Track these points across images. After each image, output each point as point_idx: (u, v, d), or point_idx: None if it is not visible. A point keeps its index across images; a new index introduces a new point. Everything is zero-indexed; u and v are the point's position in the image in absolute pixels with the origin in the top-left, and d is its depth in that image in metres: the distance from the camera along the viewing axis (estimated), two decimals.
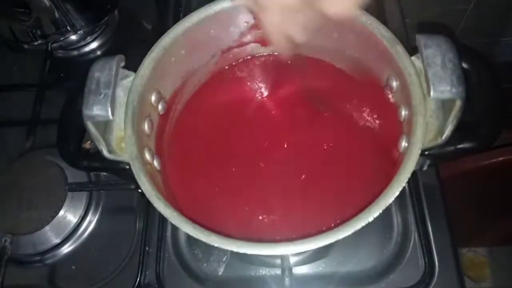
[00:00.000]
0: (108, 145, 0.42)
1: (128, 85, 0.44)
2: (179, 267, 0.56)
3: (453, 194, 0.61)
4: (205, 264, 0.56)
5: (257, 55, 0.55)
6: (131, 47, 0.74)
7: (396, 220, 0.56)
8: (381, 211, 0.37)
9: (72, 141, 0.44)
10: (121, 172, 0.44)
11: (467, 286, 0.54)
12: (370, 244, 0.55)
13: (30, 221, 0.58)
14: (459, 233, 0.56)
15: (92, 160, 0.44)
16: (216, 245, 0.37)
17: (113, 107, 0.41)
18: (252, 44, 0.53)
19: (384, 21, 0.65)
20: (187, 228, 0.38)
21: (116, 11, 0.76)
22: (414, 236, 0.55)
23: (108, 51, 0.75)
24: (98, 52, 0.75)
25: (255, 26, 0.50)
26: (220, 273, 0.55)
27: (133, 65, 0.45)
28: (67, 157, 0.44)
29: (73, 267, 0.58)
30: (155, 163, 0.46)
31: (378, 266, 0.54)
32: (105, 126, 0.43)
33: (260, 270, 0.55)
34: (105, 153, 0.42)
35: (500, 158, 0.75)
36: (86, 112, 0.40)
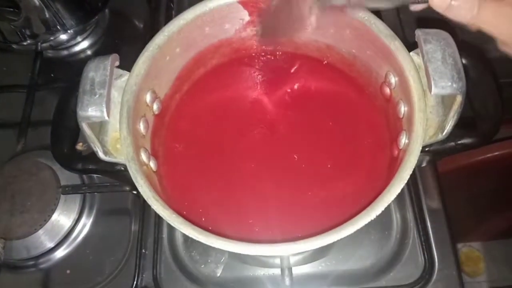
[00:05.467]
0: (103, 146, 0.41)
1: (122, 85, 0.43)
2: (176, 269, 0.55)
3: (448, 190, 0.61)
4: (203, 266, 0.55)
5: (253, 53, 0.54)
6: (122, 46, 0.74)
7: (395, 217, 0.56)
8: (383, 209, 0.36)
9: (66, 143, 0.43)
10: (116, 174, 0.43)
11: (464, 281, 0.54)
12: (370, 242, 0.55)
13: (23, 225, 0.56)
14: (454, 228, 0.56)
15: (86, 162, 0.43)
16: (216, 246, 0.36)
17: (108, 107, 0.40)
18: (248, 42, 0.52)
19: (378, 16, 0.65)
20: (186, 229, 0.37)
21: (106, 10, 0.75)
22: (413, 233, 0.55)
23: (99, 51, 0.73)
24: (89, 52, 0.73)
25: (251, 22, 0.50)
26: (218, 275, 0.55)
27: (124, 65, 0.44)
28: (61, 159, 0.43)
29: (68, 271, 0.57)
30: (151, 164, 0.45)
31: (378, 264, 0.54)
32: (100, 127, 0.42)
33: (259, 271, 0.54)
34: (101, 154, 0.41)
35: (496, 153, 0.75)
36: (81, 113, 0.39)
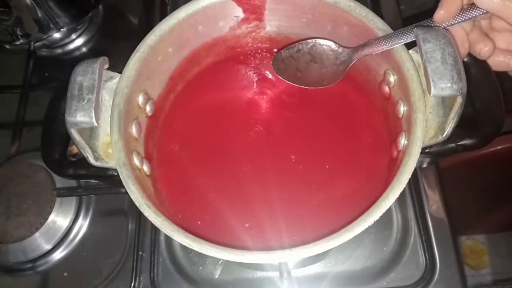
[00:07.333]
0: (94, 151, 0.40)
1: (113, 87, 0.42)
2: (174, 271, 0.54)
3: (452, 183, 0.59)
4: (200, 268, 0.55)
5: (249, 51, 0.53)
6: (117, 42, 0.73)
7: (396, 216, 0.55)
8: (381, 214, 0.35)
9: (57, 149, 0.42)
10: (109, 179, 0.42)
11: (466, 274, 0.53)
12: (370, 242, 0.54)
13: (19, 228, 0.56)
14: (458, 221, 0.55)
15: (78, 168, 0.42)
16: (210, 255, 0.35)
17: (97, 112, 0.39)
18: (243, 39, 0.51)
19: (378, 7, 0.64)
20: (179, 237, 0.36)
21: (100, 6, 0.74)
22: (414, 232, 0.54)
23: (94, 48, 0.72)
24: (84, 49, 0.72)
25: (245, 20, 0.49)
26: (216, 276, 0.54)
27: (119, 62, 0.43)
28: (52, 165, 0.42)
29: (65, 274, 0.57)
30: (145, 167, 0.44)
31: (378, 264, 0.53)
32: (90, 131, 0.41)
33: (258, 273, 0.54)
34: (91, 160, 0.40)
35: (498, 147, 0.74)
36: (69, 118, 0.38)
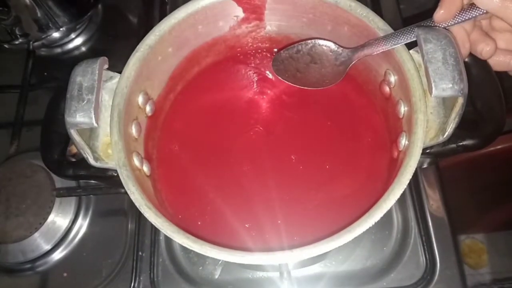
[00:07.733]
0: (94, 152, 0.40)
1: (113, 87, 0.42)
2: (174, 271, 0.54)
3: (452, 183, 0.59)
4: (200, 268, 0.54)
5: (249, 51, 0.53)
6: (116, 41, 0.73)
7: (396, 216, 0.55)
8: (382, 215, 0.35)
9: (56, 149, 0.42)
10: (109, 180, 0.42)
11: (466, 273, 0.53)
12: (370, 242, 0.54)
13: (18, 228, 0.56)
14: (458, 220, 0.55)
15: (78, 168, 0.42)
16: (211, 256, 0.35)
17: (97, 113, 0.39)
18: (243, 39, 0.51)
19: (378, 7, 0.64)
20: (179, 238, 0.36)
21: (99, 6, 0.73)
22: (414, 232, 0.53)
23: (93, 48, 0.72)
24: (83, 49, 0.72)
25: (245, 19, 0.48)
26: (216, 277, 0.54)
27: (119, 61, 0.43)
28: (52, 166, 0.42)
29: (65, 274, 0.57)
30: (145, 168, 0.44)
31: (378, 264, 0.53)
32: (90, 132, 0.40)
33: (258, 273, 0.54)
34: (91, 161, 0.40)
35: (498, 147, 0.74)
36: (68, 119, 0.38)
